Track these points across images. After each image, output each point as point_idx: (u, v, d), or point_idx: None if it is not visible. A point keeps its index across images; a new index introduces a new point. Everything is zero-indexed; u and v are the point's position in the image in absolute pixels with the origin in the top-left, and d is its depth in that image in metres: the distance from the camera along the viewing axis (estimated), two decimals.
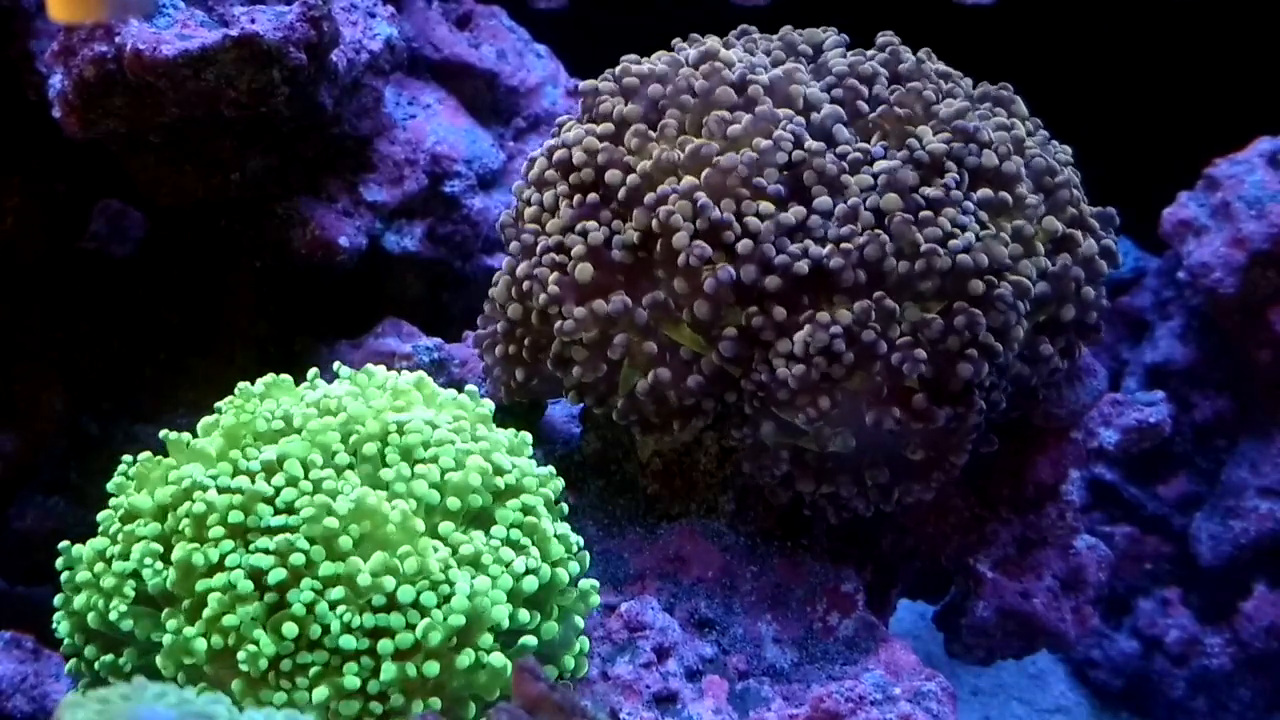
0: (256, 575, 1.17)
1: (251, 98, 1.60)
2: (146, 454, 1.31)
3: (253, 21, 1.58)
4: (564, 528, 1.30)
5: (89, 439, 1.83)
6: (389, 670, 1.15)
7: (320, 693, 1.15)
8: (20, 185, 1.77)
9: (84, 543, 1.27)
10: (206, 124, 1.64)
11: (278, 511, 1.20)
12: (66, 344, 1.82)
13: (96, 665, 1.24)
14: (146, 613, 1.21)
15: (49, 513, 1.84)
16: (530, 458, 1.33)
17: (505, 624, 1.19)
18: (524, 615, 1.21)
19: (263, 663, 1.15)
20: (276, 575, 1.16)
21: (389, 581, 1.16)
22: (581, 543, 1.31)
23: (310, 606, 1.15)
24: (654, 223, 1.37)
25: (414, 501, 1.22)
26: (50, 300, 1.81)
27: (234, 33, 1.57)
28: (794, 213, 1.37)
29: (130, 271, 1.83)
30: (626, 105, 1.45)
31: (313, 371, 1.38)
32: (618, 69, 1.50)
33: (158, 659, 1.18)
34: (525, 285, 1.43)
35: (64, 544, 1.27)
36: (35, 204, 1.78)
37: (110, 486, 1.29)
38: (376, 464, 1.25)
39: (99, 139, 1.65)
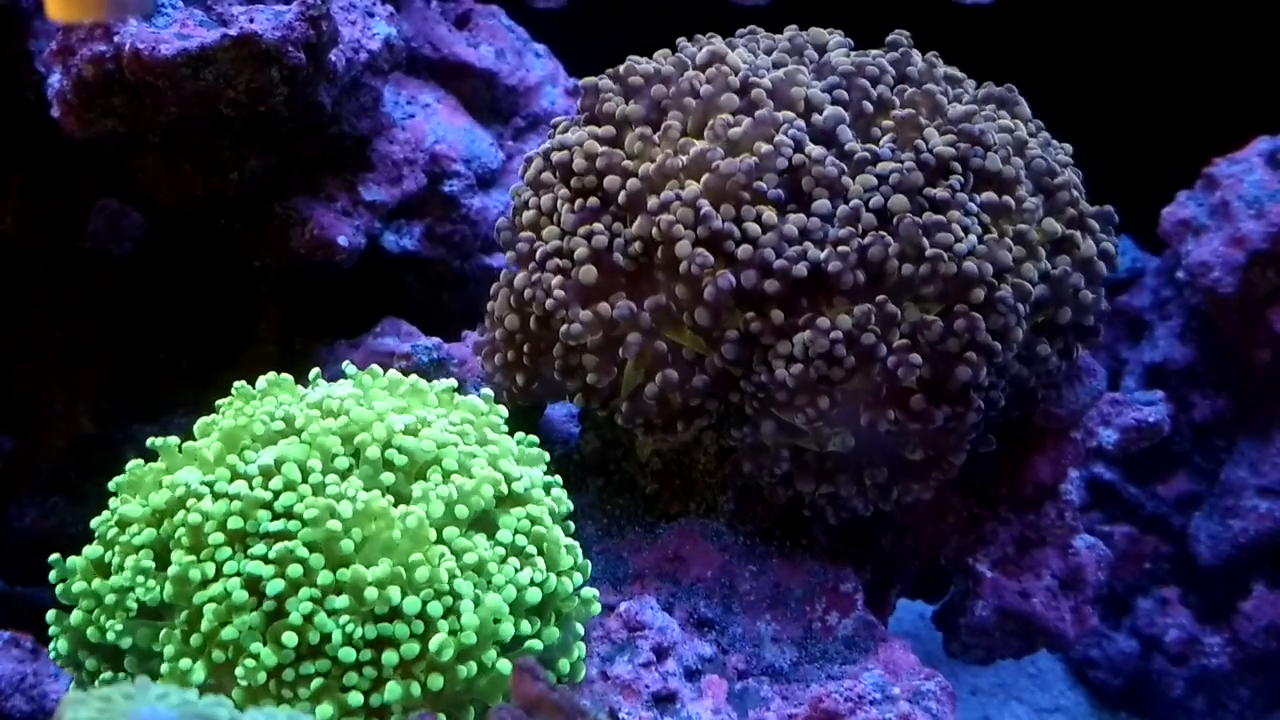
0: (255, 583, 1.15)
1: (250, 97, 1.60)
2: (136, 461, 1.29)
3: (251, 21, 1.58)
4: (571, 542, 1.28)
5: (88, 439, 1.83)
6: (394, 690, 1.14)
7: (324, 710, 1.13)
8: (19, 185, 1.77)
9: (79, 550, 1.25)
10: (205, 124, 1.64)
11: (276, 516, 1.18)
12: (65, 344, 1.82)
13: (98, 683, 1.22)
14: (145, 624, 1.20)
15: (49, 513, 1.84)
16: (543, 471, 1.32)
17: (510, 636, 1.18)
18: (526, 626, 1.21)
19: (261, 675, 1.13)
20: (275, 586, 1.15)
21: (395, 593, 1.14)
22: (581, 552, 1.29)
23: (309, 616, 1.14)
24: (654, 230, 1.37)
25: (431, 507, 1.20)
26: (49, 300, 1.81)
27: (233, 32, 1.57)
28: (794, 217, 1.37)
29: (129, 271, 1.83)
30: (628, 105, 1.45)
31: (314, 372, 1.37)
32: (621, 68, 1.49)
33: (158, 683, 1.17)
34: (527, 293, 1.43)
35: (55, 557, 1.25)
36: (35, 204, 1.78)
37: (112, 485, 1.28)
38: (378, 468, 1.23)
39: (98, 139, 1.65)
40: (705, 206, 1.36)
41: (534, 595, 1.21)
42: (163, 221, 1.81)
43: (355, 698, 1.13)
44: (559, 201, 1.44)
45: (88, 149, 1.69)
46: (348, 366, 1.38)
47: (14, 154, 1.76)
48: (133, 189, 1.75)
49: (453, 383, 1.37)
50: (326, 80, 1.68)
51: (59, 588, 1.25)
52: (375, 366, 1.37)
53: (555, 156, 1.46)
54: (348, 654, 1.14)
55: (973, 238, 1.36)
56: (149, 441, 1.29)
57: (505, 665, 1.18)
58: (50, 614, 1.25)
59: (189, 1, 1.60)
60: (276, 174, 1.75)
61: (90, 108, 1.60)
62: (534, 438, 1.36)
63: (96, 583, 1.21)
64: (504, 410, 1.36)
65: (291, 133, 1.72)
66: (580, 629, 1.28)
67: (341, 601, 1.15)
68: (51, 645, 1.25)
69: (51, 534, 1.81)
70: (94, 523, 1.26)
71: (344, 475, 1.22)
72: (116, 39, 1.57)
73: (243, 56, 1.57)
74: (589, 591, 1.29)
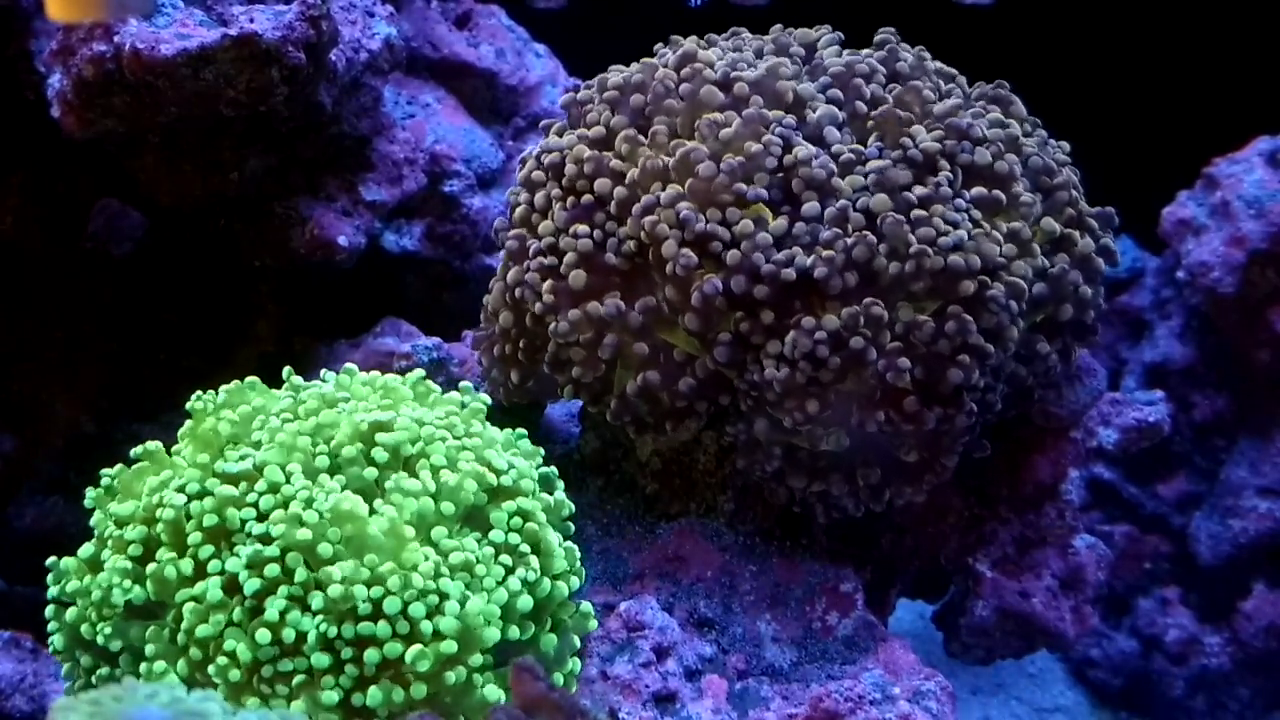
0: (234, 583, 1.15)
1: (250, 97, 1.60)
2: (119, 466, 1.29)
3: (251, 21, 1.58)
4: (570, 545, 1.27)
5: (88, 438, 1.83)
6: (375, 695, 1.13)
7: (299, 706, 1.12)
8: (20, 185, 1.77)
9: (79, 547, 1.25)
10: (205, 124, 1.64)
11: (261, 517, 1.17)
12: (65, 344, 1.82)
13: (94, 679, 1.23)
14: (137, 623, 1.20)
15: (49, 512, 1.84)
16: (536, 465, 1.31)
17: (495, 640, 1.17)
18: (515, 631, 1.19)
19: (234, 673, 1.13)
20: (252, 585, 1.14)
21: (360, 591, 1.13)
22: (579, 558, 1.28)
23: (284, 614, 1.13)
24: (642, 233, 1.37)
25: (404, 503, 1.19)
26: (49, 300, 1.81)
27: (233, 32, 1.57)
28: (781, 221, 1.36)
29: (129, 271, 1.83)
30: (613, 116, 1.45)
31: (287, 370, 1.36)
32: (596, 79, 1.49)
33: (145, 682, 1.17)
34: (518, 291, 1.43)
35: (52, 560, 1.25)
36: (35, 204, 1.78)
37: (89, 500, 1.28)
38: (361, 465, 1.22)
39: (98, 139, 1.65)
40: (685, 210, 1.35)
41: (525, 602, 1.20)
42: (163, 221, 1.81)
43: (329, 697, 1.13)
44: (552, 201, 1.44)
45: (88, 149, 1.69)
46: (325, 373, 1.37)
47: (14, 154, 1.76)
48: (133, 189, 1.75)
49: (421, 373, 1.36)
50: (327, 80, 1.68)
51: (54, 589, 1.25)
52: (351, 365, 1.37)
53: (547, 159, 1.46)
54: (320, 657, 1.13)
55: (961, 232, 1.35)
56: (132, 453, 1.29)
57: (494, 692, 1.16)
58: (49, 609, 1.26)
59: (189, 1, 1.60)
60: (276, 174, 1.75)
61: (90, 108, 1.60)
62: (523, 430, 1.35)
63: (87, 579, 1.22)
64: (486, 398, 1.35)
65: (291, 133, 1.72)
66: (576, 642, 1.27)
67: (319, 602, 1.14)
68: (50, 640, 1.26)
69: (51, 534, 1.81)
70: (94, 520, 1.27)
71: (319, 476, 1.21)
72: (116, 39, 1.57)
73: (243, 56, 1.57)
74: (587, 606, 1.28)
